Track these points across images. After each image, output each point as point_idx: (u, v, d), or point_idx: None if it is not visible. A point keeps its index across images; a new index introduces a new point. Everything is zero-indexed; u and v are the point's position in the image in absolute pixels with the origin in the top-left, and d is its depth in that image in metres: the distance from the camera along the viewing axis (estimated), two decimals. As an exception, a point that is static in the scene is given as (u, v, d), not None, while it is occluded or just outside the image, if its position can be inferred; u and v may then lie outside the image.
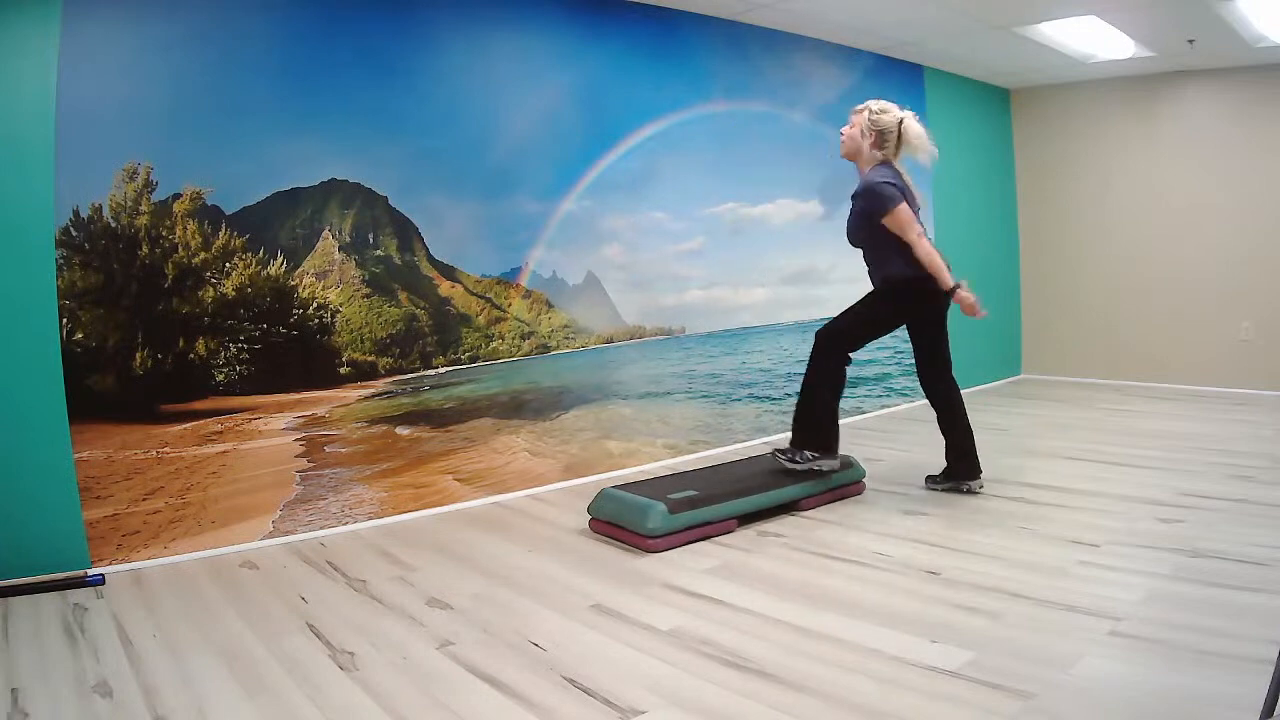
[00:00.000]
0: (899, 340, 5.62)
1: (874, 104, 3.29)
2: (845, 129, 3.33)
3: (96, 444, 2.89)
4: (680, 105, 4.39)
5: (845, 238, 3.46)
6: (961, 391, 3.49)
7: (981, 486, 3.46)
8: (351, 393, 3.47)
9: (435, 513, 3.54)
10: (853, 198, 3.33)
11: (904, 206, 3.18)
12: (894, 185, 3.20)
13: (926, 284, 3.24)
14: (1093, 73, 5.67)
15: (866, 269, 3.47)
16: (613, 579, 2.70)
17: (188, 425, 3.09)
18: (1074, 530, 2.93)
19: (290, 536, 3.22)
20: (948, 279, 3.22)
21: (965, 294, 3.23)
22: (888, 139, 3.24)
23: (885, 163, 3.26)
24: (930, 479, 3.58)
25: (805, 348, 5.02)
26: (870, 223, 3.26)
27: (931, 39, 4.99)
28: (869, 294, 3.46)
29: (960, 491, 3.45)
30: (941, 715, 1.78)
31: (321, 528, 3.30)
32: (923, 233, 3.25)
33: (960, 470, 3.47)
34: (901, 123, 3.23)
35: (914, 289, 3.29)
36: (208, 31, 3.05)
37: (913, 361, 5.60)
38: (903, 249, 3.23)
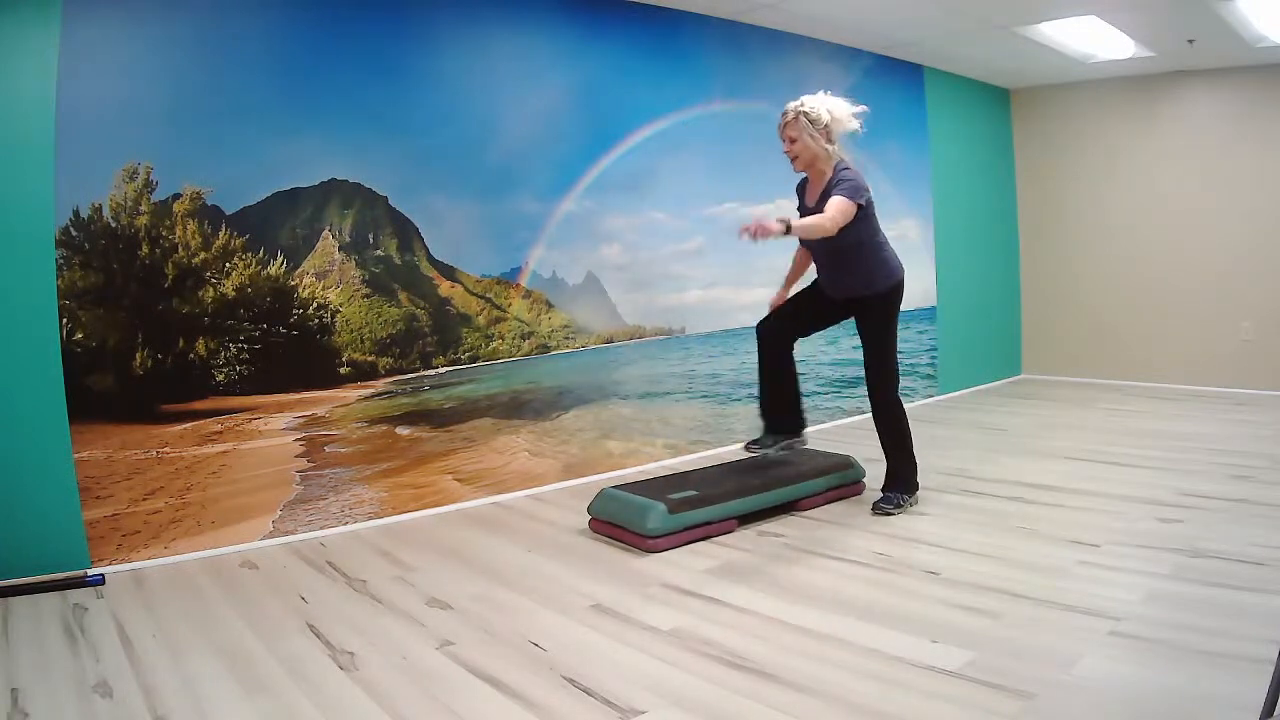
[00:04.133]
0: (904, 341, 5.64)
1: (794, 105, 3.06)
2: (789, 146, 3.08)
3: (96, 444, 2.89)
4: (680, 105, 4.39)
5: (821, 252, 3.18)
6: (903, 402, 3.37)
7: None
8: (351, 393, 3.47)
9: (435, 513, 3.54)
10: (820, 200, 3.05)
11: (853, 206, 2.93)
12: (862, 180, 3.03)
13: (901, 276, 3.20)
14: (1093, 73, 5.67)
15: (830, 277, 3.22)
16: (613, 579, 2.70)
17: (188, 425, 3.09)
18: (1074, 530, 2.93)
19: (290, 536, 3.22)
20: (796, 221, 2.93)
21: (774, 224, 2.82)
22: (832, 130, 3.05)
23: (842, 159, 3.08)
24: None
25: (805, 348, 5.03)
26: (854, 221, 2.98)
27: (931, 39, 4.99)
28: (868, 306, 3.18)
29: (887, 511, 3.25)
30: (941, 715, 1.78)
31: (321, 528, 3.30)
32: (830, 231, 2.90)
33: (897, 484, 3.33)
34: (826, 107, 3.06)
35: (900, 284, 3.21)
36: (207, 32, 3.05)
37: (913, 361, 5.68)
38: (870, 252, 3.12)
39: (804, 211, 3.22)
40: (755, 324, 3.39)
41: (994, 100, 6.30)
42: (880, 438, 3.33)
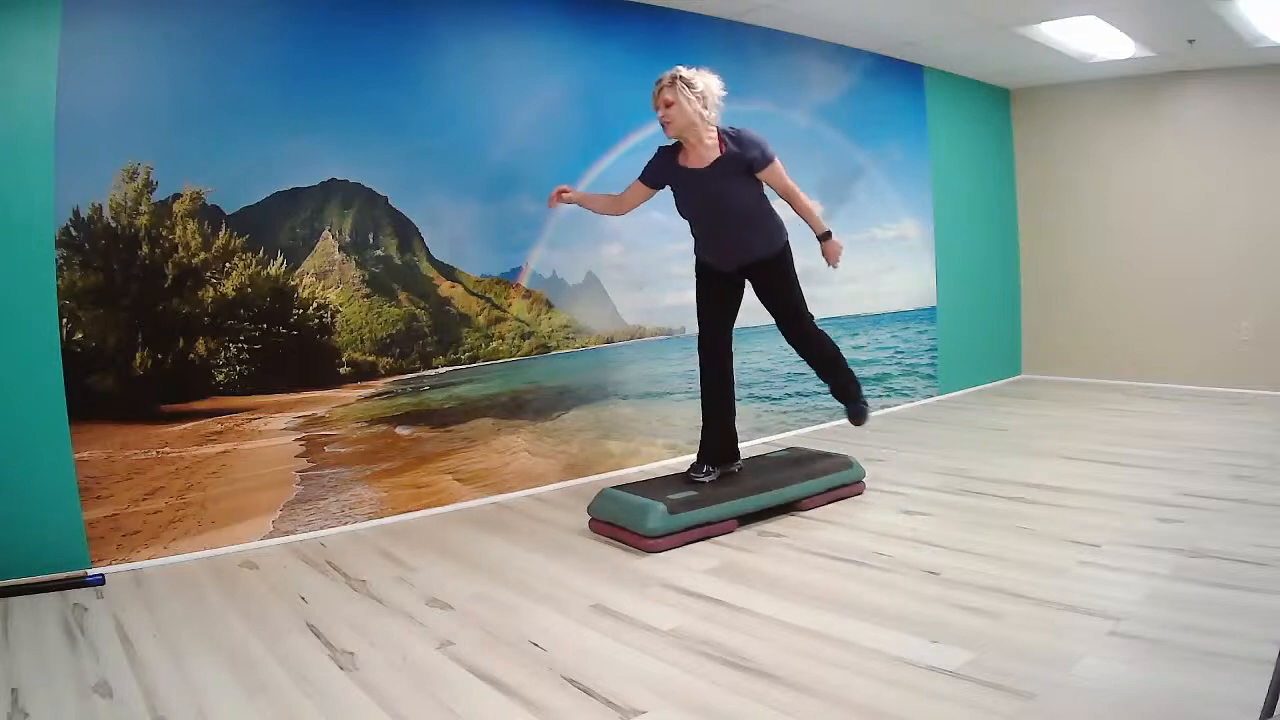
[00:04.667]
0: (899, 340, 5.68)
1: (674, 71, 3.03)
2: (664, 111, 3.02)
3: (96, 444, 2.89)
4: (680, 105, 4.38)
5: (719, 216, 3.16)
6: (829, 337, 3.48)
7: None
8: (351, 393, 3.47)
9: (435, 513, 3.54)
10: (720, 164, 3.07)
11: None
12: None
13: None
14: (1093, 73, 5.67)
15: (730, 243, 3.18)
16: (613, 579, 2.70)
17: (188, 425, 3.09)
18: (1074, 530, 2.93)
19: (290, 536, 3.22)
20: (823, 222, 3.30)
21: (838, 241, 3.31)
22: (708, 98, 3.04)
23: (718, 125, 3.10)
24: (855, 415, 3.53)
25: (805, 348, 5.08)
26: (751, 181, 3.10)
27: (931, 39, 4.99)
28: (772, 269, 3.23)
29: (865, 413, 3.49)
30: (941, 715, 1.78)
31: (321, 528, 3.30)
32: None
33: (854, 392, 3.50)
34: (701, 77, 3.07)
35: (788, 245, 3.30)
36: (208, 31, 3.05)
37: (913, 361, 5.68)
38: (767, 208, 3.21)
39: (686, 175, 3.14)
40: (697, 343, 3.42)
41: (994, 100, 6.30)
42: (816, 365, 3.50)
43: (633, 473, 4.03)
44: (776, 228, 3.25)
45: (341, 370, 3.45)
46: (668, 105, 3.03)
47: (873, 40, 5.05)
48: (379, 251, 3.54)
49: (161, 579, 2.81)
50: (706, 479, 3.27)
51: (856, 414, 3.50)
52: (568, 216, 4.01)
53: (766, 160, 3.09)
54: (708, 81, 3.06)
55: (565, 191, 3.36)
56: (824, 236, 3.28)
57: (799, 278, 3.32)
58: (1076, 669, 1.93)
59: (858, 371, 5.29)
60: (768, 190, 3.21)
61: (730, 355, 3.42)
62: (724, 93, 3.13)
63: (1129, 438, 4.35)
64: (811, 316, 3.39)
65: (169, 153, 2.98)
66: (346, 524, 3.35)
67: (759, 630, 2.26)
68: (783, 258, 3.27)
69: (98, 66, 2.85)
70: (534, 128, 3.88)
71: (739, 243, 3.20)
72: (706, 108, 3.04)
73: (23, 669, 2.13)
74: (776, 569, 2.73)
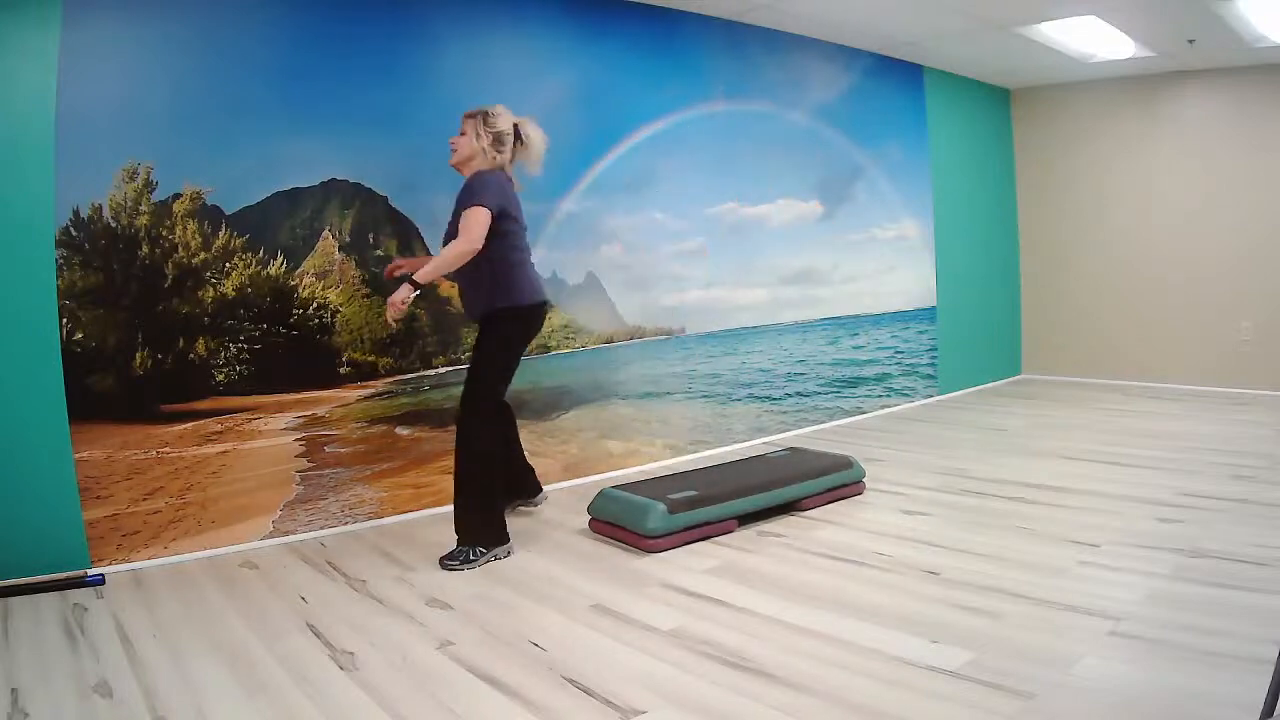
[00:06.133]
0: (899, 340, 5.68)
1: (483, 108, 2.96)
2: (455, 138, 2.96)
3: (96, 444, 2.89)
4: (680, 105, 4.39)
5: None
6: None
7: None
8: (351, 393, 3.47)
9: (435, 513, 3.54)
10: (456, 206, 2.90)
11: (487, 212, 2.79)
12: (499, 186, 2.87)
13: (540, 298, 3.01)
14: (1093, 73, 5.67)
15: (468, 292, 2.99)
16: (613, 579, 2.70)
17: (188, 425, 3.08)
18: (1074, 530, 2.93)
19: (290, 536, 3.22)
20: (426, 275, 2.81)
21: (408, 297, 2.76)
22: (504, 142, 2.94)
23: (500, 169, 2.94)
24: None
25: (805, 348, 5.10)
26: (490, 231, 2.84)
27: (931, 39, 4.99)
28: (481, 331, 2.97)
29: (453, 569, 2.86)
30: (941, 715, 1.78)
31: (321, 528, 3.30)
32: (476, 247, 2.78)
33: (466, 538, 2.93)
34: (518, 126, 2.97)
35: (527, 315, 3.00)
36: (208, 31, 3.05)
37: (913, 361, 5.68)
38: (497, 269, 2.90)
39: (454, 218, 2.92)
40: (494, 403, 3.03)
41: (994, 100, 6.30)
42: (455, 460, 2.92)
43: (633, 473, 4.03)
44: (501, 290, 2.91)
45: (341, 370, 3.45)
46: (461, 134, 2.96)
47: (873, 40, 5.05)
48: (379, 251, 3.54)
49: (161, 579, 2.81)
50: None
51: (445, 559, 2.88)
52: (568, 217, 4.02)
53: (462, 206, 2.84)
54: (528, 133, 2.98)
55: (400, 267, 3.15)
56: (411, 279, 2.79)
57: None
58: (1076, 669, 1.93)
59: (858, 372, 5.38)
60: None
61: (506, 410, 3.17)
62: (542, 147, 3.03)
63: (1129, 438, 4.35)
64: (479, 410, 2.89)
65: (169, 153, 2.98)
66: (346, 524, 3.35)
67: (759, 630, 2.26)
68: (498, 323, 2.93)
69: (98, 66, 2.85)
70: (534, 128, 3.87)
71: (466, 297, 3.04)
72: (498, 150, 2.93)
73: (23, 669, 2.13)
74: (776, 569, 2.73)
